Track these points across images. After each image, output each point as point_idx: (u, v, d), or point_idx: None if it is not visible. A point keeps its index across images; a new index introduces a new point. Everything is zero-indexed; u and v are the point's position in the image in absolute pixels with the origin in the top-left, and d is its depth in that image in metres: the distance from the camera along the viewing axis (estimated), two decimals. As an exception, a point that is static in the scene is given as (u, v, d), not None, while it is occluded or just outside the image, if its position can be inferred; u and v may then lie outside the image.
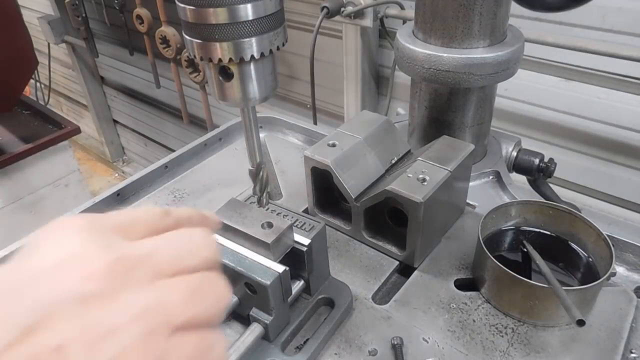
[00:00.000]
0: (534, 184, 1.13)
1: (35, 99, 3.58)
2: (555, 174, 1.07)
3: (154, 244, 0.35)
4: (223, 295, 0.35)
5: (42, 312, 0.28)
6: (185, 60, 2.46)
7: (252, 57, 0.54)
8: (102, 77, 3.86)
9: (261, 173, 0.66)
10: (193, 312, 0.32)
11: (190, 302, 0.33)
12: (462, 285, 0.77)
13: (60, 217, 0.34)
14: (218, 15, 0.51)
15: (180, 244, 0.36)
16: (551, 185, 1.14)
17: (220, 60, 0.53)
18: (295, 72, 2.30)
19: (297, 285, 0.71)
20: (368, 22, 1.73)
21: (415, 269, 0.80)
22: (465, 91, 0.93)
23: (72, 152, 2.46)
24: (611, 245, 0.70)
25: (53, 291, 0.29)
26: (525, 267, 0.76)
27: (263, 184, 0.67)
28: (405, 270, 0.82)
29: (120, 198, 1.04)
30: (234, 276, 0.64)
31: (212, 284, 0.35)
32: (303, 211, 0.86)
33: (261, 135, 1.11)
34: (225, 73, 0.56)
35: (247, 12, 0.51)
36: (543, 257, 0.72)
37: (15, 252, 0.32)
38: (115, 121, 4.16)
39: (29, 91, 3.63)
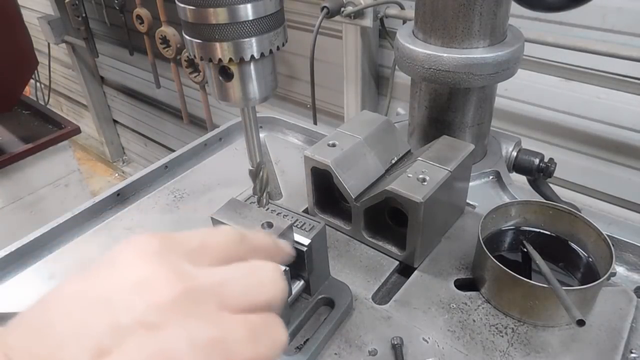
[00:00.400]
0: (534, 184, 1.13)
1: (35, 99, 3.58)
2: (555, 174, 1.07)
3: (223, 276, 0.35)
4: (280, 339, 0.36)
5: (111, 336, 0.29)
6: (185, 60, 2.46)
7: (252, 57, 0.54)
8: (102, 77, 3.86)
9: (261, 173, 0.66)
10: (251, 353, 0.33)
11: (250, 343, 0.33)
12: (462, 285, 0.77)
13: (136, 236, 0.35)
14: (218, 15, 0.51)
15: (250, 280, 0.36)
16: (551, 185, 1.14)
17: (220, 60, 0.53)
18: (295, 72, 2.30)
19: (297, 285, 0.70)
20: (368, 22, 1.73)
21: (415, 269, 0.80)
22: (465, 91, 0.93)
23: (72, 152, 2.46)
24: (611, 245, 0.70)
25: (122, 316, 0.30)
26: (525, 267, 0.76)
27: (263, 184, 0.67)
28: (405, 270, 0.82)
29: (120, 198, 1.04)
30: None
31: (272, 327, 0.36)
32: (303, 211, 0.86)
33: (261, 135, 1.11)
34: (225, 73, 0.56)
35: (247, 12, 0.51)
36: (543, 257, 0.72)
37: (90, 261, 0.33)
38: (115, 121, 4.16)
39: (29, 91, 3.63)
